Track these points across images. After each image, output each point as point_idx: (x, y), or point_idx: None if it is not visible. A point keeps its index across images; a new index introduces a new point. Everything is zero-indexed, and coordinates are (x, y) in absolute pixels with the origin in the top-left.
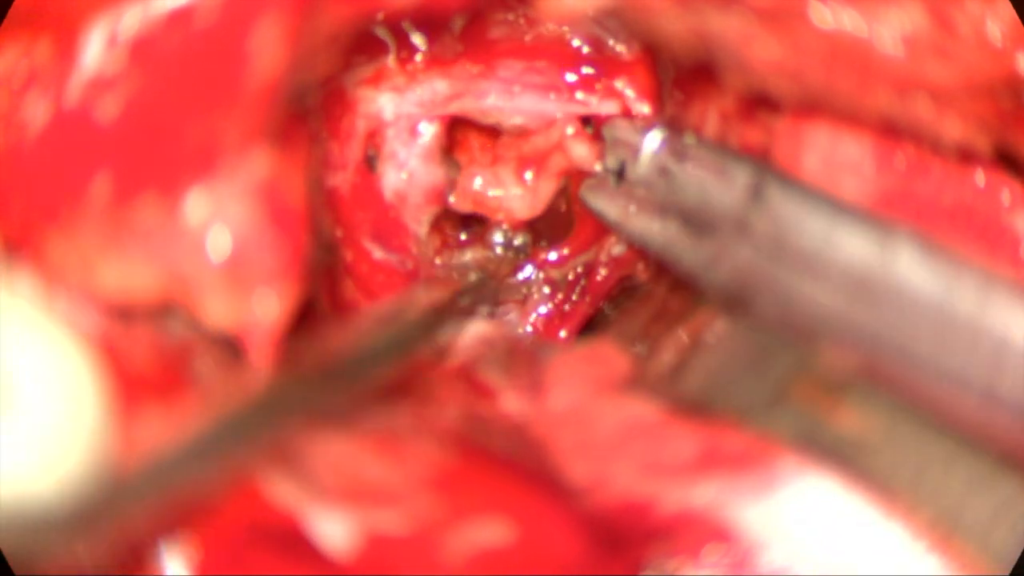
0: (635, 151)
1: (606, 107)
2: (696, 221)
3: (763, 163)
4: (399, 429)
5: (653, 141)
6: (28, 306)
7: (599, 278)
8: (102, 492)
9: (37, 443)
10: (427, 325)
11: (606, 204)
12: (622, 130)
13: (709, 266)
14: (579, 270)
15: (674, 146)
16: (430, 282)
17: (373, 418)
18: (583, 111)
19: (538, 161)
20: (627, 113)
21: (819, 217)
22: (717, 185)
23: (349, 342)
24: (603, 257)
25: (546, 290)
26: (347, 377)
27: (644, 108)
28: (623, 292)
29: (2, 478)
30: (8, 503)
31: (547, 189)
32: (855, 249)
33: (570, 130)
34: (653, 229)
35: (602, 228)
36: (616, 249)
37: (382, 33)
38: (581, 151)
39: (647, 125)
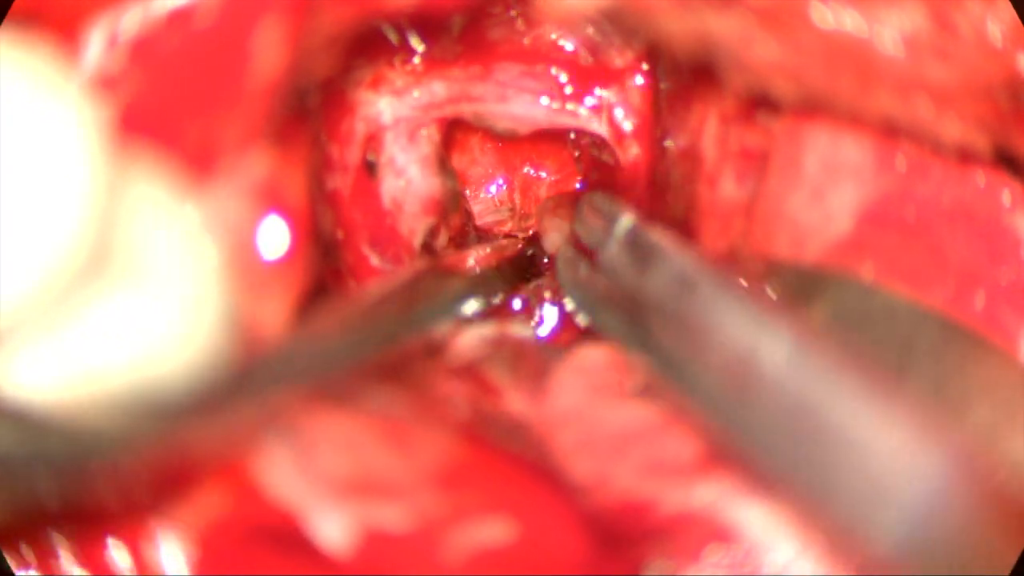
0: (605, 238)
1: (594, 123)
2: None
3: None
4: (407, 417)
5: (620, 231)
6: (159, 187)
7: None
8: (223, 381)
9: (164, 324)
10: (430, 307)
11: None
12: (594, 213)
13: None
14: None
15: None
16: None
17: (380, 404)
18: (571, 123)
19: None
20: (614, 129)
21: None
22: (650, 276)
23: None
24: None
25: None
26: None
27: (629, 125)
28: None
29: (126, 357)
30: (127, 382)
31: None
32: (736, 346)
33: None
34: (602, 316)
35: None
36: None
37: (381, 35)
38: None
39: (616, 211)
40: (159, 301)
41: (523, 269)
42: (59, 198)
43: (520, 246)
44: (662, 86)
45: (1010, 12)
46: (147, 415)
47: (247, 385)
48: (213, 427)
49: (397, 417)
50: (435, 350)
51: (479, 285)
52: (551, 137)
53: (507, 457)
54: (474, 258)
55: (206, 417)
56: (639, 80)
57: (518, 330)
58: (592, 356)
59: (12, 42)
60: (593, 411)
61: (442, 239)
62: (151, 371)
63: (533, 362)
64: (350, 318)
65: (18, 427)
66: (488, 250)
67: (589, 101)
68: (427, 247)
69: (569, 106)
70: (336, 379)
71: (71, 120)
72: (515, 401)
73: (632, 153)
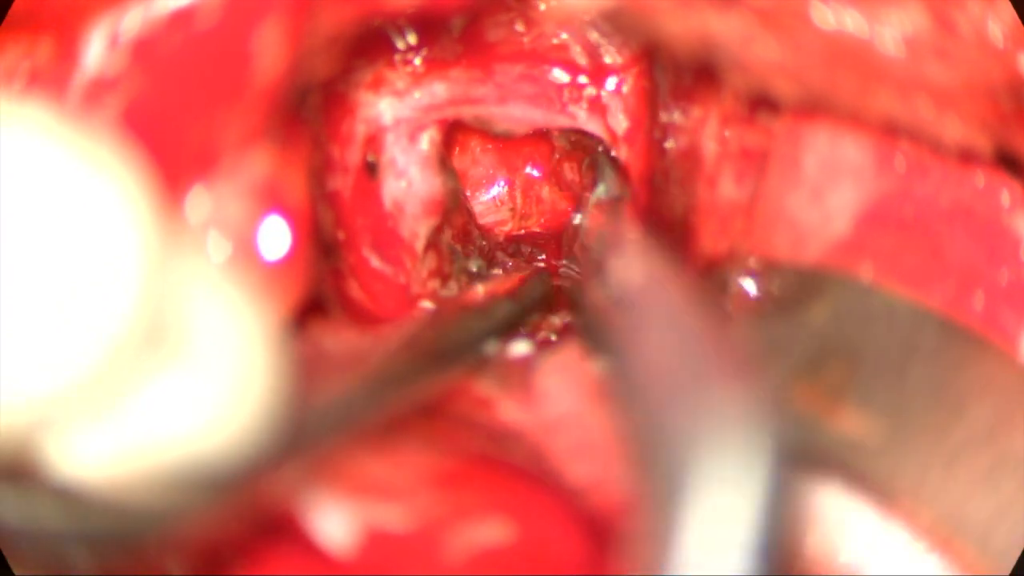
0: None
1: (591, 124)
2: None
3: None
4: (397, 439)
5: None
6: (208, 263)
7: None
8: (270, 455)
9: (213, 401)
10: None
11: None
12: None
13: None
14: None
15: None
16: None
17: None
18: (568, 124)
19: None
20: (609, 129)
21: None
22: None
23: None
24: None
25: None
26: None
27: (623, 124)
28: None
29: (173, 434)
30: (175, 459)
31: None
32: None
33: None
34: None
35: None
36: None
37: (382, 35)
38: None
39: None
40: (208, 378)
41: (539, 300)
42: (112, 278)
43: (529, 272)
44: (660, 86)
45: (1011, 12)
46: (194, 491)
47: (290, 453)
48: (257, 495)
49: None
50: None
51: (497, 323)
52: (552, 138)
53: (502, 464)
54: (485, 290)
55: (251, 488)
56: (633, 80)
57: (514, 348)
58: (577, 359)
59: (48, 119)
60: (587, 414)
61: (446, 236)
62: (198, 448)
63: (520, 369)
64: (369, 373)
65: (63, 504)
66: (497, 279)
67: (585, 101)
68: (430, 248)
69: (570, 107)
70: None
71: (119, 196)
72: (508, 411)
73: (625, 153)
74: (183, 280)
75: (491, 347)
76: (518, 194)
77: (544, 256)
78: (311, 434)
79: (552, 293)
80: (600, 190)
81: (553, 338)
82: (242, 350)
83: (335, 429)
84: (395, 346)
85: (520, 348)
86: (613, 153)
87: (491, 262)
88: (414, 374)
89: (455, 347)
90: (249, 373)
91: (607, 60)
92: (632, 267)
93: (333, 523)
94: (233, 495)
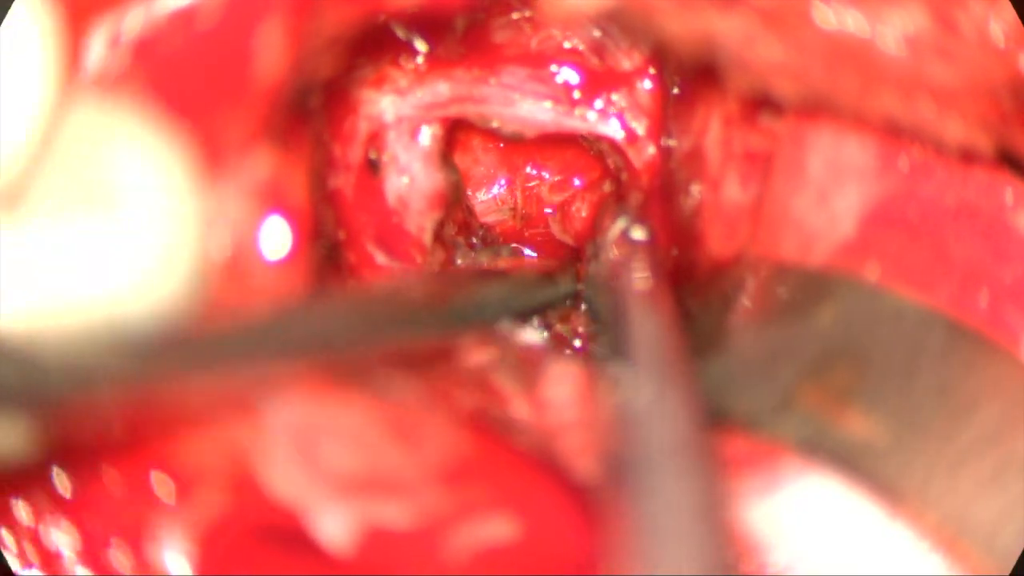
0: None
1: (603, 127)
2: None
3: None
4: (416, 406)
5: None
6: (134, 121)
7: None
8: (193, 325)
9: (133, 260)
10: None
11: None
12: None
13: None
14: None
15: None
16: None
17: (390, 390)
18: (582, 128)
19: None
20: (627, 131)
21: None
22: None
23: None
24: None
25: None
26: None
27: (640, 127)
28: None
29: (95, 296)
30: (94, 317)
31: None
32: None
33: None
34: None
35: None
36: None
37: (384, 34)
38: None
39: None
40: (134, 235)
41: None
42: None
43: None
44: (672, 89)
45: (1012, 12)
46: (113, 353)
47: (235, 344)
48: (198, 380)
49: (405, 405)
50: (446, 351)
51: (493, 299)
52: (554, 138)
53: (513, 453)
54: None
55: (185, 365)
56: (648, 83)
57: (528, 335)
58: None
59: None
60: (597, 414)
61: (448, 230)
62: (120, 307)
63: (538, 369)
64: (366, 300)
65: None
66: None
67: (598, 104)
68: (438, 241)
69: (577, 110)
70: (343, 358)
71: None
72: (521, 408)
73: (646, 155)
74: (108, 136)
75: (482, 323)
76: (519, 194)
77: (543, 256)
78: (269, 336)
79: (560, 299)
80: (621, 223)
81: (563, 330)
82: (170, 210)
83: (309, 342)
84: (376, 294)
85: (531, 336)
86: (630, 155)
87: (495, 258)
88: (388, 321)
89: (440, 309)
90: (176, 234)
91: (618, 62)
92: (642, 381)
93: (334, 523)
94: (153, 364)
